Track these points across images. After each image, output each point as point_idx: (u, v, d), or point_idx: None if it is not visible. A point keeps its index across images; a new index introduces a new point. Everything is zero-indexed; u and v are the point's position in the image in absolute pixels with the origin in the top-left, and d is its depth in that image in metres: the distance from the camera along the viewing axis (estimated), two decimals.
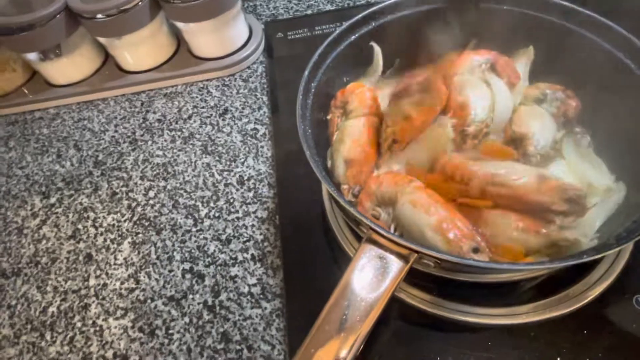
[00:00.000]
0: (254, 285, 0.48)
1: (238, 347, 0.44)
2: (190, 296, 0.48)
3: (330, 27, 0.75)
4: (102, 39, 0.66)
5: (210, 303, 0.48)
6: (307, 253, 0.50)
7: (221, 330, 0.46)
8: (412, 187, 0.42)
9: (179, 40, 0.74)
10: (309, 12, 0.79)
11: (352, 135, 0.49)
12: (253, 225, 0.53)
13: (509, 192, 0.40)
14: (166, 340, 0.46)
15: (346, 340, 0.33)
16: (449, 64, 0.55)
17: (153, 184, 0.59)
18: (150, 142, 0.64)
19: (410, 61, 0.58)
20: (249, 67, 0.71)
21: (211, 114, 0.66)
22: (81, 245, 0.55)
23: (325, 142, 0.52)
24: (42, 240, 0.56)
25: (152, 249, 0.53)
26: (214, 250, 0.51)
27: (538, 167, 0.44)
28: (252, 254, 0.50)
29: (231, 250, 0.51)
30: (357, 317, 0.34)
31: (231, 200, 0.55)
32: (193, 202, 0.56)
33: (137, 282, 0.50)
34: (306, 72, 0.48)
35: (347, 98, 0.52)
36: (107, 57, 0.74)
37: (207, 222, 0.54)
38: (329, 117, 0.53)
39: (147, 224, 0.55)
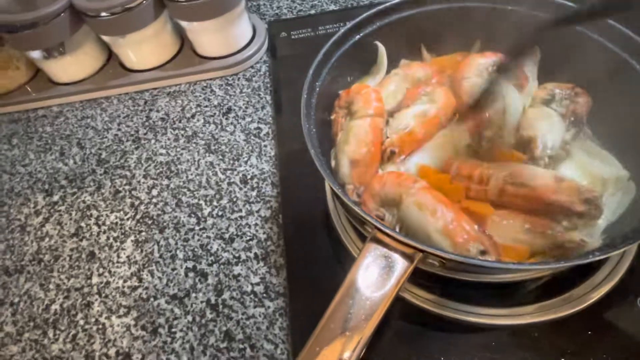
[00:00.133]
0: (257, 284, 0.48)
1: (241, 346, 0.44)
2: (193, 295, 0.48)
3: (333, 27, 0.75)
4: (106, 38, 0.66)
5: (213, 302, 0.48)
6: (311, 252, 0.49)
7: (224, 329, 0.46)
8: (416, 188, 0.41)
9: (183, 39, 0.74)
10: (313, 11, 0.79)
11: (357, 136, 0.49)
12: (256, 224, 0.53)
13: (528, 192, 0.40)
14: (169, 339, 0.46)
15: (351, 339, 0.33)
16: (455, 66, 0.55)
17: (156, 182, 0.59)
18: (153, 141, 0.64)
19: (415, 60, 0.59)
20: (252, 67, 0.71)
21: (214, 113, 0.66)
22: (84, 243, 0.55)
23: (329, 142, 0.52)
24: (45, 238, 0.56)
25: (155, 247, 0.53)
26: (217, 249, 0.51)
27: (548, 169, 0.44)
28: (255, 253, 0.50)
29: (234, 249, 0.51)
30: (362, 315, 0.34)
31: (234, 199, 0.55)
32: (196, 200, 0.56)
33: (140, 280, 0.50)
34: (310, 71, 0.48)
35: (352, 98, 0.52)
36: (110, 56, 0.74)
37: (210, 221, 0.54)
38: (332, 117, 0.53)
39: (150, 222, 0.55)
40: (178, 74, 0.70)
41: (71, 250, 0.54)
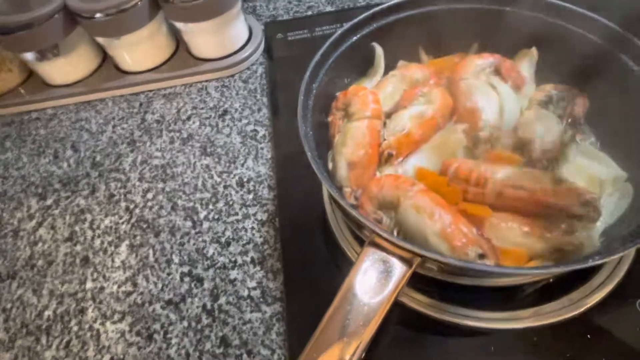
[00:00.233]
0: (254, 288, 0.48)
1: (237, 352, 0.44)
2: (189, 300, 0.48)
3: (330, 28, 0.75)
4: (100, 39, 0.66)
5: (209, 307, 0.47)
6: (308, 256, 0.49)
7: (220, 334, 0.45)
8: (414, 191, 0.41)
9: (178, 40, 0.73)
10: (309, 13, 0.79)
11: (354, 138, 0.48)
12: (253, 228, 0.52)
13: (527, 195, 0.40)
14: (164, 345, 0.45)
15: (349, 345, 0.33)
16: (453, 68, 0.54)
17: (151, 185, 0.58)
18: (148, 143, 0.63)
19: (412, 62, 0.58)
20: (248, 68, 0.71)
21: (210, 115, 0.65)
22: (78, 247, 0.54)
23: (326, 144, 0.52)
24: (38, 242, 0.55)
25: (150, 251, 0.52)
26: (213, 253, 0.51)
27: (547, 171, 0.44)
28: (252, 257, 0.50)
29: (230, 253, 0.50)
30: (361, 321, 0.33)
31: (230, 203, 0.55)
32: (192, 204, 0.55)
33: (135, 285, 0.50)
34: (307, 73, 0.47)
35: (349, 100, 0.51)
36: (105, 57, 0.73)
37: (206, 225, 0.53)
38: (329, 119, 0.53)
39: (145, 226, 0.54)
40: (173, 75, 0.70)
41: (65, 255, 0.53)
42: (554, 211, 0.39)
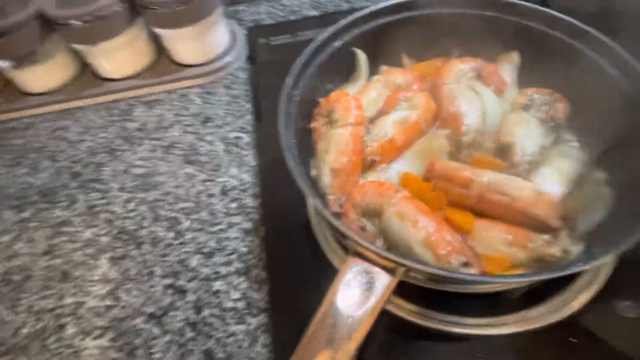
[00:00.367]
0: (238, 300, 0.47)
1: None
2: (172, 313, 0.47)
3: (314, 32, 0.74)
4: (77, 46, 0.64)
5: (192, 320, 0.46)
6: (293, 265, 0.48)
7: (204, 348, 0.44)
8: (397, 198, 0.41)
9: (159, 46, 0.72)
10: (292, 17, 0.78)
11: (338, 145, 0.48)
12: (237, 237, 0.51)
13: (508, 201, 0.40)
14: None
15: (334, 358, 0.32)
16: (435, 72, 0.54)
17: (132, 195, 0.57)
18: (129, 152, 0.62)
19: (395, 67, 0.58)
20: (231, 74, 0.70)
21: (193, 122, 0.64)
22: (57, 261, 0.52)
23: (309, 151, 0.51)
24: (14, 257, 0.53)
25: (132, 264, 0.51)
26: (196, 264, 0.50)
27: (527, 174, 0.44)
28: (236, 267, 0.49)
29: (214, 264, 0.50)
30: (344, 335, 0.33)
31: (214, 212, 0.54)
32: (174, 214, 0.54)
33: (116, 299, 0.48)
34: (288, 81, 0.47)
35: (332, 106, 0.51)
36: (84, 64, 0.71)
37: (189, 235, 0.52)
38: (313, 125, 0.52)
39: (126, 237, 0.53)
40: (155, 82, 0.68)
41: (43, 269, 0.52)
42: (532, 221, 0.39)
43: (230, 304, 0.47)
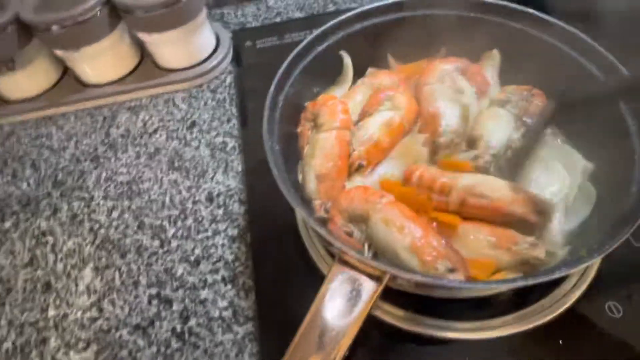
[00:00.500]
0: (225, 308, 0.46)
1: None
2: (158, 323, 0.46)
3: (300, 34, 0.73)
4: (58, 52, 0.63)
5: (179, 330, 0.45)
6: (280, 272, 0.48)
7: (191, 358, 0.43)
8: (383, 203, 0.40)
9: (143, 50, 0.71)
10: (278, 19, 0.77)
11: (323, 149, 0.48)
12: (223, 245, 0.51)
13: (487, 203, 0.40)
14: None
15: None
16: (419, 73, 0.54)
17: (117, 203, 0.56)
18: (113, 159, 0.61)
19: (382, 69, 0.58)
20: (216, 78, 0.69)
21: (178, 128, 0.63)
22: (39, 272, 0.51)
23: (296, 156, 0.51)
24: None
25: (116, 274, 0.50)
26: (182, 273, 0.49)
27: (494, 167, 0.44)
28: (223, 276, 0.48)
29: (200, 272, 0.49)
30: (331, 344, 0.32)
31: (200, 219, 0.53)
32: (159, 221, 0.54)
33: (101, 310, 0.48)
34: (273, 86, 0.46)
35: (317, 111, 0.51)
36: (66, 70, 0.70)
37: (174, 243, 0.51)
38: (299, 130, 0.52)
39: (110, 247, 0.52)
40: (139, 87, 0.67)
41: (25, 281, 0.51)
42: (512, 219, 0.39)
43: (217, 313, 0.46)
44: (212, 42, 0.70)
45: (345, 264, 0.35)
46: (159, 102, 0.67)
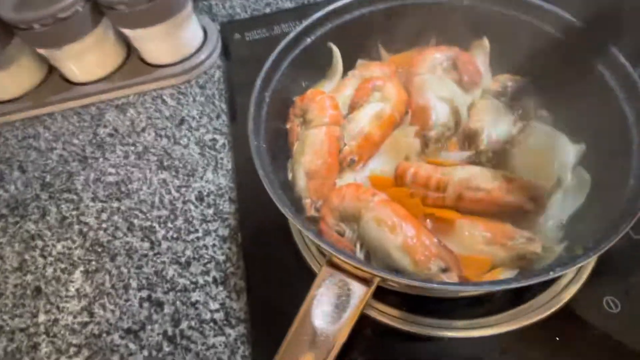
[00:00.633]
0: (217, 310, 0.45)
1: None
2: (149, 327, 0.45)
3: (290, 25, 0.72)
4: (41, 50, 0.61)
5: (170, 333, 0.45)
6: (272, 272, 0.47)
7: None
8: (375, 202, 0.39)
9: (129, 47, 0.69)
10: (268, 10, 0.75)
11: (313, 146, 0.47)
12: (214, 245, 0.50)
13: (485, 196, 0.40)
14: None
15: None
16: (409, 63, 0.53)
17: (106, 205, 0.55)
18: (101, 160, 0.59)
19: (372, 60, 0.56)
20: (205, 73, 0.67)
21: (166, 126, 0.62)
22: (28, 277, 0.50)
23: (285, 153, 0.50)
24: None
25: (107, 277, 0.49)
26: (173, 275, 0.48)
27: (491, 162, 0.44)
28: (214, 277, 0.48)
29: (191, 274, 0.48)
30: (320, 350, 0.31)
31: (190, 219, 0.52)
32: (149, 223, 0.53)
33: (91, 315, 0.47)
34: (258, 82, 0.45)
35: (306, 106, 0.49)
36: (51, 68, 0.68)
37: (164, 245, 0.51)
38: (288, 126, 0.50)
39: (100, 250, 0.51)
40: (126, 84, 0.66)
41: (14, 286, 0.50)
42: (510, 209, 0.39)
43: (208, 315, 0.45)
44: (200, 36, 0.68)
45: (335, 266, 0.34)
46: (147, 99, 0.65)
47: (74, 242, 0.53)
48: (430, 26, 0.52)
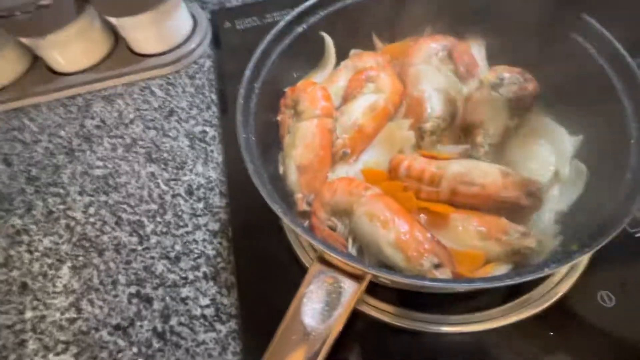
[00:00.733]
0: (207, 306, 0.45)
1: None
2: (138, 323, 0.45)
3: (282, 14, 0.70)
4: (24, 39, 0.59)
5: (160, 329, 0.44)
6: (263, 267, 0.46)
7: (173, 359, 0.42)
8: (367, 196, 0.38)
9: (116, 35, 0.67)
10: None
11: (304, 139, 0.45)
12: (204, 240, 0.49)
13: (479, 191, 0.39)
14: None
15: None
16: (404, 53, 0.51)
17: (93, 199, 0.54)
18: (88, 152, 0.58)
19: (366, 50, 0.55)
20: (195, 62, 0.66)
21: (155, 117, 0.60)
22: (14, 273, 0.49)
23: (276, 145, 0.48)
24: None
25: (95, 272, 0.48)
26: (162, 270, 0.47)
27: (488, 156, 0.43)
28: (204, 272, 0.47)
29: (181, 269, 0.47)
30: (310, 348, 0.31)
31: (179, 213, 0.51)
32: (138, 217, 0.51)
33: (79, 311, 0.46)
34: (247, 72, 0.43)
35: (297, 97, 0.48)
36: (35, 58, 0.66)
37: (153, 239, 0.50)
38: (279, 117, 0.49)
39: (87, 245, 0.50)
40: (113, 75, 0.64)
41: (0, 282, 0.49)
42: (505, 205, 0.38)
43: (198, 311, 0.44)
44: (189, 25, 0.66)
45: (325, 262, 0.33)
46: (135, 90, 0.64)
47: (60, 237, 0.51)
48: (425, 15, 0.51)
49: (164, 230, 0.50)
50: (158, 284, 0.47)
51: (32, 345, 0.45)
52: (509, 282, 0.29)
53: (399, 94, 0.47)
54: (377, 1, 0.52)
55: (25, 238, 0.52)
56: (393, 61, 0.53)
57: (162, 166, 0.55)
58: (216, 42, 0.67)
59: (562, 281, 0.41)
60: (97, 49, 0.64)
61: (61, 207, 0.54)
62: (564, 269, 0.40)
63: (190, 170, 0.55)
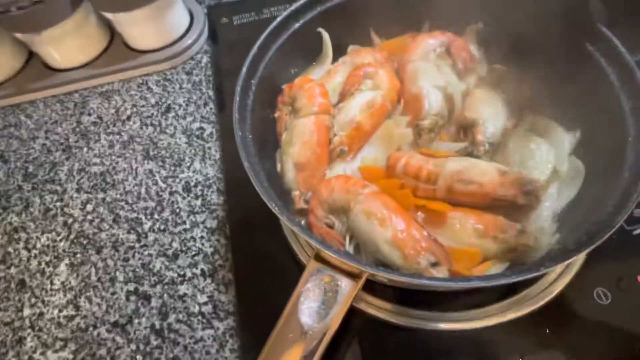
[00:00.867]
0: (205, 303, 0.45)
1: None
2: (136, 320, 0.45)
3: (280, 9, 0.69)
4: (19, 35, 0.59)
5: (158, 327, 0.44)
6: (261, 264, 0.46)
7: (171, 356, 0.42)
8: (365, 194, 0.38)
9: (113, 31, 0.66)
10: None
11: (301, 136, 0.45)
12: (202, 237, 0.49)
13: (477, 189, 0.39)
14: None
15: None
16: (405, 48, 0.51)
17: (90, 196, 0.54)
18: (85, 149, 0.58)
19: (364, 46, 0.54)
20: (192, 58, 0.65)
21: (152, 114, 0.60)
22: (12, 270, 0.49)
23: (274, 142, 0.48)
24: None
25: (92, 270, 0.48)
26: (160, 268, 0.47)
27: (487, 155, 0.43)
28: (202, 269, 0.47)
29: (179, 267, 0.47)
30: (307, 346, 0.31)
31: (177, 211, 0.51)
32: (135, 214, 0.51)
33: (77, 308, 0.46)
34: (244, 69, 0.43)
35: (295, 94, 0.48)
36: (31, 54, 0.66)
37: (151, 237, 0.50)
38: (276, 114, 0.49)
39: (85, 242, 0.50)
40: (110, 70, 0.63)
41: None
42: (503, 203, 0.38)
43: (196, 308, 0.45)
44: (186, 20, 0.66)
45: (322, 261, 0.33)
46: (132, 86, 0.63)
47: (58, 234, 0.51)
48: (423, 10, 0.51)
49: (162, 227, 0.50)
50: (156, 282, 0.47)
51: (30, 343, 0.45)
52: (506, 280, 0.29)
53: (397, 91, 0.47)
54: None
55: (22, 235, 0.52)
56: (391, 57, 0.53)
57: (160, 163, 0.55)
58: (213, 37, 0.67)
59: (558, 278, 0.41)
60: (93, 44, 0.64)
61: (59, 204, 0.54)
62: (560, 266, 0.41)
63: (188, 168, 0.54)
